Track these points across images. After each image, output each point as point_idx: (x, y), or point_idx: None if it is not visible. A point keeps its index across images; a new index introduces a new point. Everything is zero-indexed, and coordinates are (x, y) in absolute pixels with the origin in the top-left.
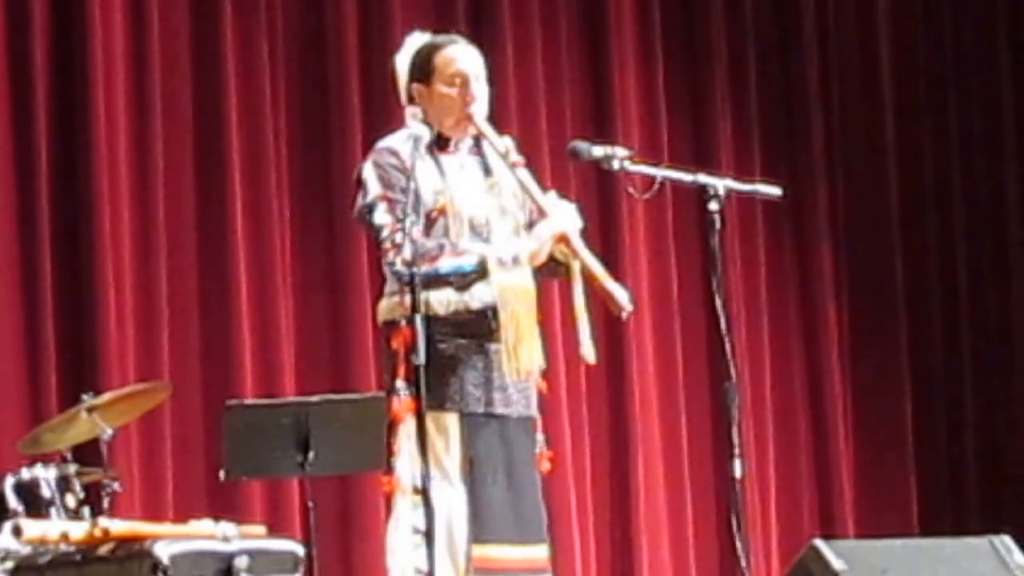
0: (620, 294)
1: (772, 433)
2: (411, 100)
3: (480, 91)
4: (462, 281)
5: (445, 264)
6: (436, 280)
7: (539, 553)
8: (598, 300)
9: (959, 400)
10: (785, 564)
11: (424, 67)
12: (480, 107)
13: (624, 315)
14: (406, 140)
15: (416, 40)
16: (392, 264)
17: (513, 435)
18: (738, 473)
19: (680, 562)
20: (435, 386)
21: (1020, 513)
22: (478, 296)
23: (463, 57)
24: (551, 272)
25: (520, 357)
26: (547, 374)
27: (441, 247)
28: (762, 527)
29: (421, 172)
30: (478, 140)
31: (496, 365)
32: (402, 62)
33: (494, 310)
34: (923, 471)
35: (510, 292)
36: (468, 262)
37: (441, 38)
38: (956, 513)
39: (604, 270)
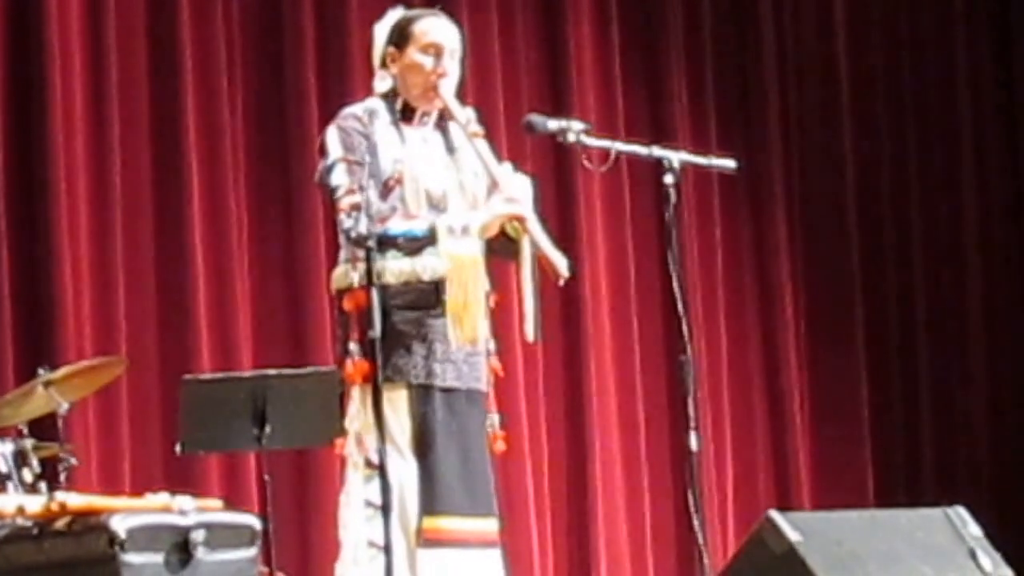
0: (559, 260)
1: (728, 406)
2: (383, 65)
3: (452, 67)
4: (411, 245)
5: (395, 226)
6: (385, 242)
7: (490, 526)
8: (548, 278)
9: (914, 373)
10: (741, 536)
11: (402, 33)
12: (449, 82)
13: (561, 282)
14: (367, 110)
15: (398, 12)
16: (343, 223)
17: (463, 407)
18: (694, 446)
19: (637, 535)
20: (385, 359)
21: (974, 485)
22: (430, 267)
23: (441, 30)
24: (503, 250)
25: (464, 325)
26: (503, 352)
27: (394, 209)
28: (718, 499)
29: (382, 139)
30: (443, 117)
31: (445, 337)
32: (381, 29)
33: (444, 283)
34: (878, 444)
35: (458, 261)
36: (419, 227)
37: (424, 10)
38: (911, 485)
39: (546, 237)
